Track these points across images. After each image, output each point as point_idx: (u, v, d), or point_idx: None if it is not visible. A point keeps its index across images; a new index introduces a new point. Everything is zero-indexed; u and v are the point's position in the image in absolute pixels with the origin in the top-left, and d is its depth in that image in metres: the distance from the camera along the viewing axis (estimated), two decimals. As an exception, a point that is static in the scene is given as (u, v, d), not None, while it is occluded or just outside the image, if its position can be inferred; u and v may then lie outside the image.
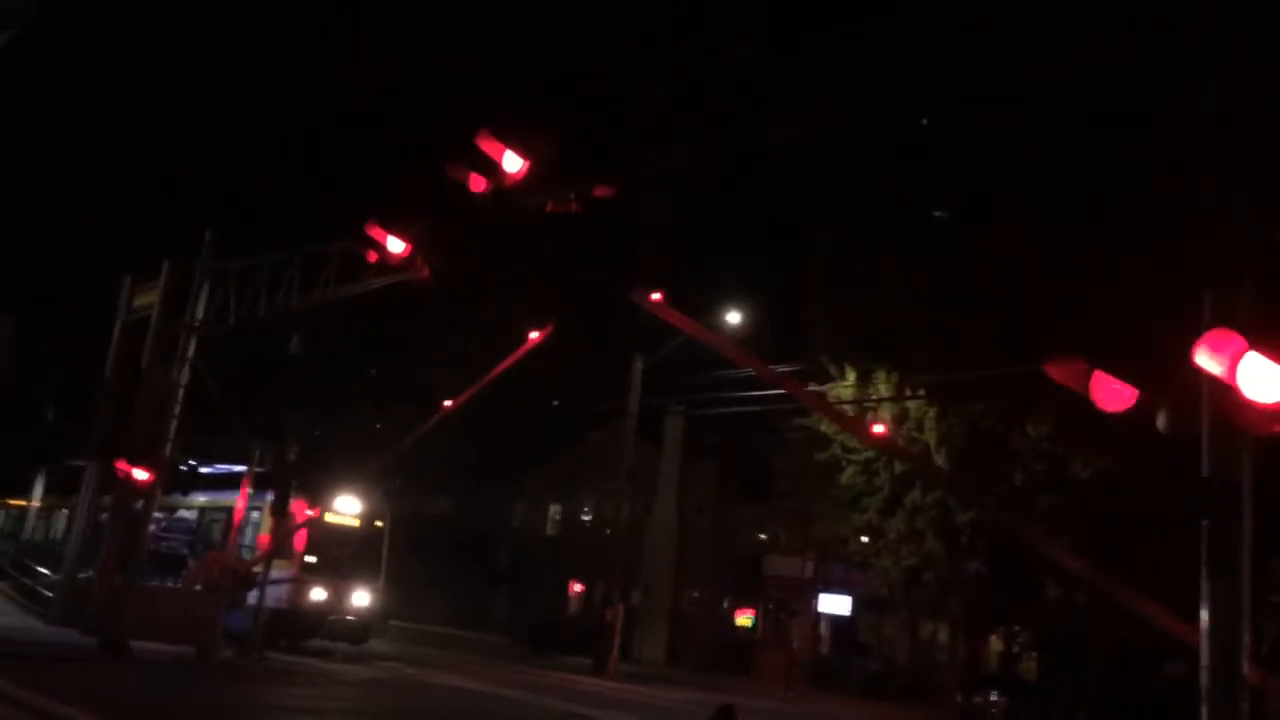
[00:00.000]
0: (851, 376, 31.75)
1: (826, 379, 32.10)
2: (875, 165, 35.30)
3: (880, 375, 31.19)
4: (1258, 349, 5.11)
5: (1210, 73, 5.92)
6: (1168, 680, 27.58)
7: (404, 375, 42.42)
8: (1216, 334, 5.24)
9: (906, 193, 32.44)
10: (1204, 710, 5.51)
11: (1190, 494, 5.72)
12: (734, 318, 33.59)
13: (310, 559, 24.13)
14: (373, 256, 13.30)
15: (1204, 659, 5.53)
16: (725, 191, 46.55)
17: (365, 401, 42.88)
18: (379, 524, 26.08)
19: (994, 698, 30.04)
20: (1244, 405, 5.17)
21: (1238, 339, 5.17)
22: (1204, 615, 5.54)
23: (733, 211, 52.98)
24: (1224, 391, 5.29)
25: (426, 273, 11.73)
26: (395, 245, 12.85)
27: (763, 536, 44.22)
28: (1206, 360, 5.24)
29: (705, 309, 34.06)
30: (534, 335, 22.31)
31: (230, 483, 23.71)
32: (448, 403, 22.49)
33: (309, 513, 21.87)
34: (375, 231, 13.10)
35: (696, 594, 43.07)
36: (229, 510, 23.47)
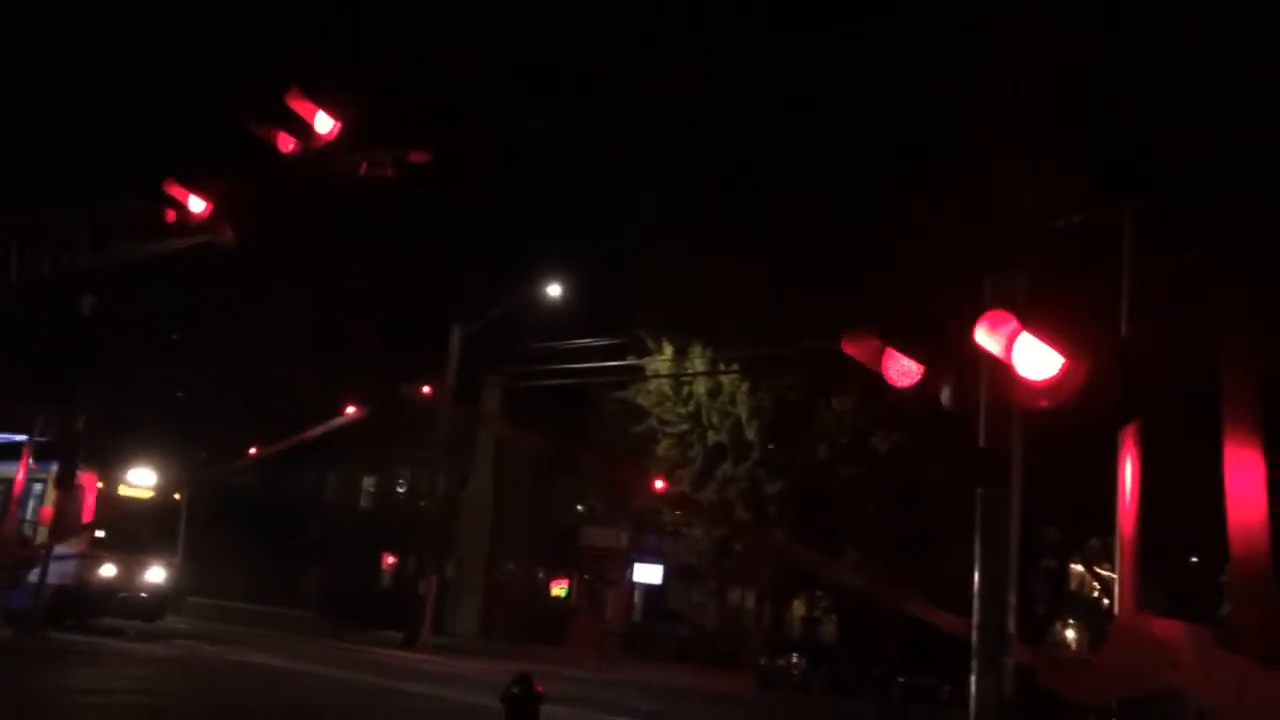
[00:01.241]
0: (668, 350, 32.34)
1: (644, 352, 32.57)
2: (696, 140, 35.89)
3: (696, 350, 31.88)
4: (1030, 330, 5.49)
5: (1000, 67, 6.29)
6: (953, 637, 29.39)
7: (208, 341, 40.52)
8: (994, 315, 5.60)
9: (727, 169, 33.15)
10: (974, 663, 5.93)
11: (966, 464, 6.12)
12: (554, 289, 33.59)
13: (99, 533, 22.86)
14: (171, 215, 12.63)
15: (975, 617, 5.94)
16: (549, 159, 46.37)
17: (165, 368, 40.78)
18: (176, 496, 24.91)
19: (795, 660, 31.39)
20: (1016, 382, 5.56)
21: (1013, 320, 5.55)
22: (976, 576, 5.95)
23: (556, 180, 52.82)
24: (999, 369, 5.67)
25: (230, 235, 11.19)
26: (196, 205, 12.24)
27: (579, 508, 44.59)
28: (985, 339, 5.60)
29: (526, 279, 33.99)
30: (350, 410, 23.02)
31: (10, 453, 22.18)
32: (253, 450, 22.80)
33: (99, 485, 20.72)
34: (175, 189, 12.44)
35: (512, 565, 43.07)
36: (9, 483, 21.98)
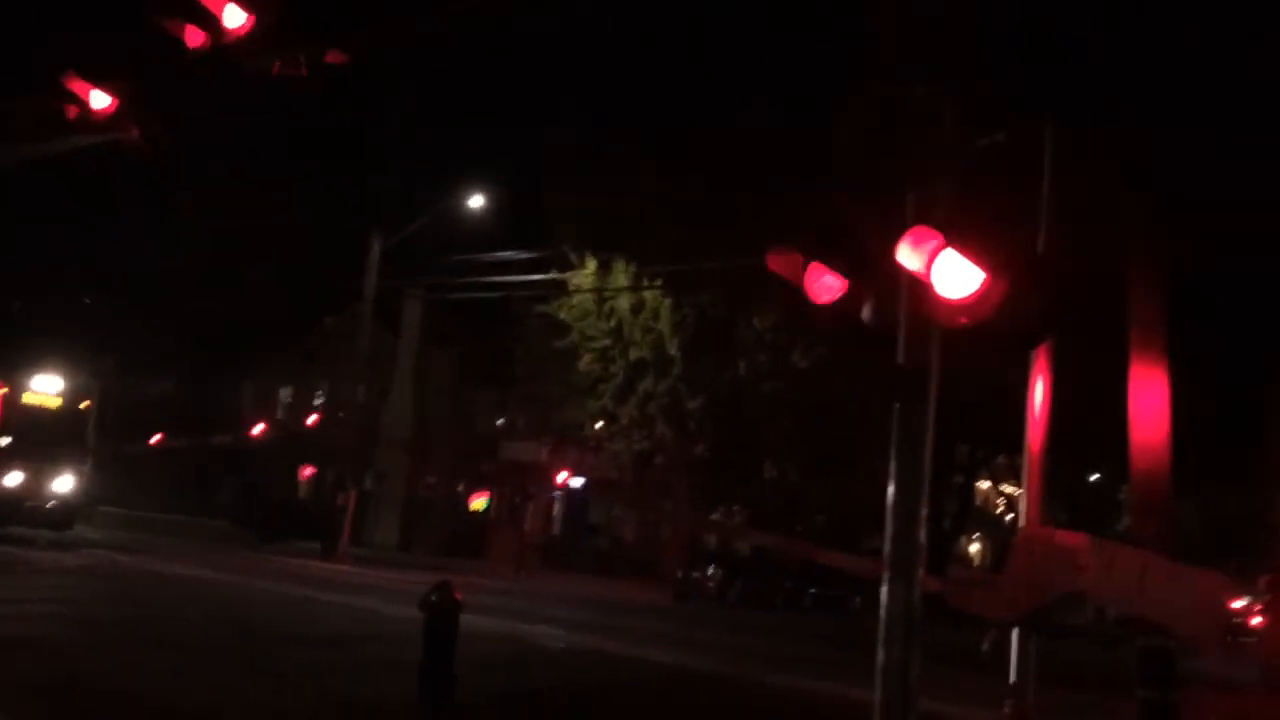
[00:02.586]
0: (591, 265, 32.17)
1: (567, 266, 32.36)
2: (618, 54, 35.27)
3: (619, 265, 31.77)
4: (952, 247, 5.53)
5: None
6: (866, 551, 30.34)
7: (118, 245, 39.20)
8: (917, 231, 5.62)
9: (648, 83, 32.70)
10: (885, 574, 6.08)
11: (885, 379, 6.20)
12: (476, 201, 33.05)
13: (3, 440, 22.26)
14: (73, 112, 12.04)
15: (888, 528, 6.08)
16: (472, 70, 45.30)
17: (73, 272, 39.45)
18: (85, 404, 24.28)
19: (711, 572, 32.09)
20: (937, 299, 5.62)
21: (935, 237, 5.58)
22: (890, 489, 6.07)
23: (479, 90, 51.67)
24: (920, 286, 5.72)
25: (137, 134, 10.70)
26: (100, 100, 11.68)
27: (500, 422, 44.60)
28: (907, 256, 5.63)
29: (448, 190, 33.36)
30: (258, 429, 23.42)
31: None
32: (155, 438, 22.98)
33: (3, 391, 20.08)
34: (76, 84, 11.84)
35: (432, 479, 43.06)
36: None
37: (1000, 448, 35.69)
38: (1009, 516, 44.57)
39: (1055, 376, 9.57)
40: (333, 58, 9.86)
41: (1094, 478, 39.01)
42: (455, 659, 7.75)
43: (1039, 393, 8.37)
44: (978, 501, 46.39)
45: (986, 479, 44.48)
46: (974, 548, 53.78)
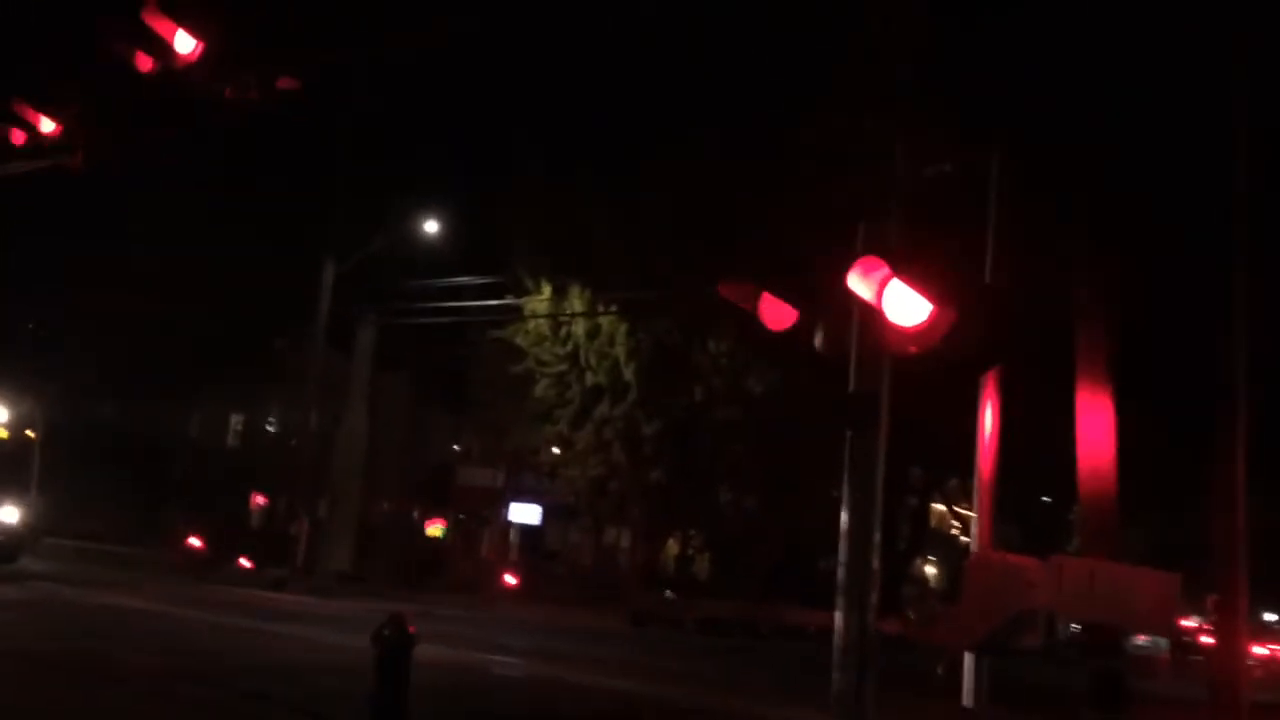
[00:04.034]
0: (547, 291, 32.13)
1: (523, 292, 32.31)
2: (576, 80, 35.40)
3: (575, 290, 31.77)
4: (901, 277, 5.61)
5: (872, 17, 6.33)
6: (820, 573, 30.41)
7: (62, 268, 38.50)
8: (866, 261, 5.70)
9: (605, 107, 32.83)
10: (840, 600, 6.11)
11: (838, 407, 6.25)
12: (432, 225, 32.93)
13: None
14: (20, 136, 11.87)
15: (841, 554, 6.11)
16: (429, 94, 45.25)
17: (15, 297, 38.69)
18: (29, 433, 23.79)
19: (668, 596, 31.99)
20: (887, 327, 5.69)
21: (884, 266, 5.65)
22: (844, 515, 6.11)
23: (436, 113, 51.53)
24: (871, 314, 5.79)
25: (80, 158, 10.56)
26: (47, 125, 11.53)
27: (456, 447, 44.32)
28: (857, 285, 5.70)
29: (402, 213, 33.19)
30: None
31: None
32: None
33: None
34: (24, 109, 11.68)
35: (386, 505, 42.62)
36: None
37: (953, 470, 36.02)
38: (963, 539, 44.94)
39: (1007, 401, 9.71)
40: (284, 83, 9.82)
41: (1046, 499, 39.49)
42: (409, 693, 7.66)
43: (988, 418, 8.49)
44: (932, 523, 46.75)
45: (941, 501, 44.87)
46: (929, 570, 54.16)
